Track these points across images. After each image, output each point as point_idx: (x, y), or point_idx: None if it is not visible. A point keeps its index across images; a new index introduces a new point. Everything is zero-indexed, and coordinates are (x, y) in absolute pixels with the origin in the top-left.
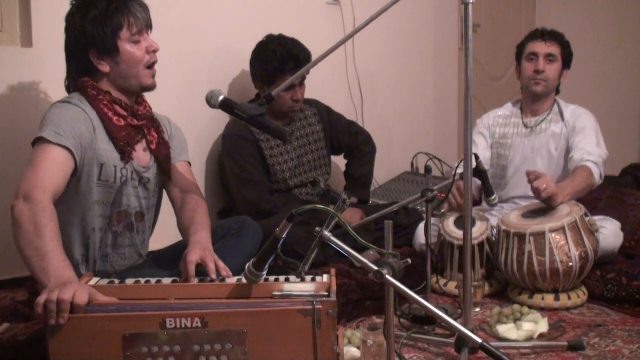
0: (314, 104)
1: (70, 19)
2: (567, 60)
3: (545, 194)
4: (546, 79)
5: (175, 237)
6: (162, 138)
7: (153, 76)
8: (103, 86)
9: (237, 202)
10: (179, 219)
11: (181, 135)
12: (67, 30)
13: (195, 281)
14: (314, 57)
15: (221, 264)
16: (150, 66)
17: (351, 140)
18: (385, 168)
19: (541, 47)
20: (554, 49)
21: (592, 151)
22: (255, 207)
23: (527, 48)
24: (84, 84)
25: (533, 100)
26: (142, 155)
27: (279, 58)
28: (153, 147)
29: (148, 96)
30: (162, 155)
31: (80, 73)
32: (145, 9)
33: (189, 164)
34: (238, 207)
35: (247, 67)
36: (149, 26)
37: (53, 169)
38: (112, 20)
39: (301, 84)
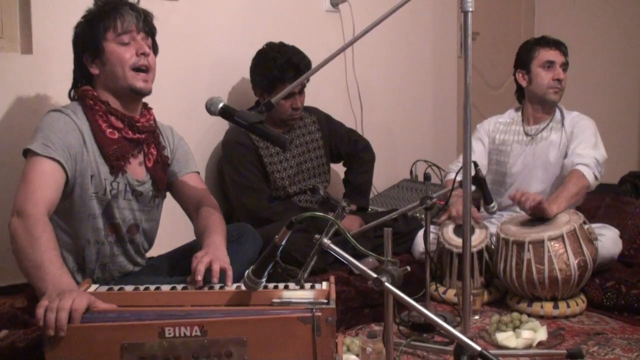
0: (313, 111)
1: (75, 26)
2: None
3: (534, 203)
4: (563, 87)
5: (173, 244)
6: (161, 155)
7: (144, 80)
8: (102, 95)
9: (236, 209)
10: (195, 228)
11: (184, 145)
12: (72, 37)
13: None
14: (314, 64)
15: (215, 268)
16: (138, 69)
17: (350, 148)
18: (385, 175)
19: (556, 56)
20: (564, 58)
21: (584, 154)
22: (254, 214)
23: (539, 55)
24: (84, 93)
25: (542, 107)
26: (137, 169)
27: (278, 66)
28: (149, 164)
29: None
30: (157, 175)
31: (82, 80)
32: (138, 13)
33: (197, 172)
34: (237, 214)
35: (247, 75)
36: (142, 30)
37: (43, 181)
38: (100, 21)
39: (301, 92)
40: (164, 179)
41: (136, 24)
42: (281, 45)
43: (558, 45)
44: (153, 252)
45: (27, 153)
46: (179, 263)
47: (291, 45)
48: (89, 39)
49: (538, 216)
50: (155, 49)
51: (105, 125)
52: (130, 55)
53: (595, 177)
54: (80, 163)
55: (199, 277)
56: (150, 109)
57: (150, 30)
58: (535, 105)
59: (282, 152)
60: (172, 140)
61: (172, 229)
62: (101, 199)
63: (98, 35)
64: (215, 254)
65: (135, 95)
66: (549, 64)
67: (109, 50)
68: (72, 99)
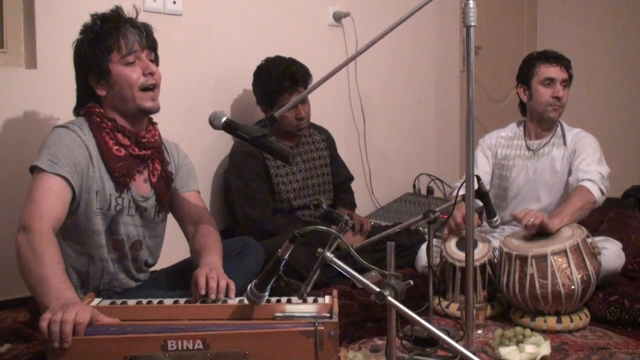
0: (323, 131)
1: (74, 45)
2: (571, 81)
3: (537, 222)
4: (563, 104)
5: (175, 257)
6: (165, 170)
7: (152, 99)
8: (108, 113)
9: (239, 220)
10: (191, 246)
11: (189, 163)
12: (73, 56)
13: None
14: (316, 78)
15: (222, 284)
16: (146, 89)
17: (342, 178)
18: (387, 189)
19: (557, 73)
20: (566, 74)
21: (588, 169)
22: (258, 225)
23: (540, 72)
24: (91, 110)
25: (541, 123)
26: (142, 185)
27: (274, 79)
28: (154, 180)
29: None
30: (161, 190)
31: (87, 99)
32: (140, 30)
33: (198, 191)
34: (241, 225)
35: (250, 88)
36: (146, 47)
37: (49, 197)
38: (103, 42)
39: (303, 102)
40: (168, 194)
41: (140, 42)
42: (277, 58)
43: (559, 61)
44: (155, 266)
45: (34, 170)
46: (180, 277)
47: (288, 57)
48: (92, 61)
49: (540, 231)
50: (157, 60)
51: (112, 142)
52: (137, 75)
53: (602, 192)
54: (86, 179)
55: (213, 296)
56: (155, 124)
57: (153, 45)
58: (536, 121)
59: (289, 165)
60: (177, 157)
61: (174, 243)
62: (105, 214)
63: (102, 57)
64: (218, 272)
65: (143, 115)
66: (549, 81)
67: (116, 72)
68: (77, 115)
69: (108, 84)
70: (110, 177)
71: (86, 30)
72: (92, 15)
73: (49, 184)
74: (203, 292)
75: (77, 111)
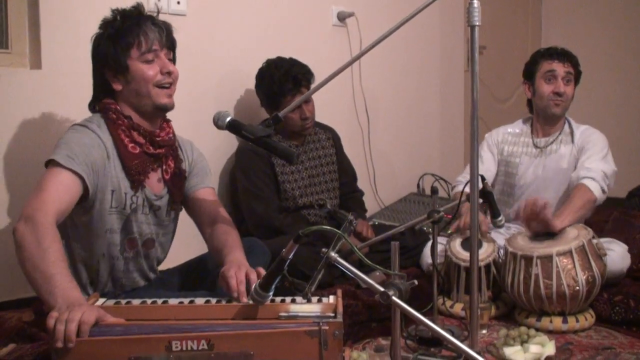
0: (329, 129)
1: (93, 38)
2: (577, 78)
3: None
4: (565, 99)
5: (185, 255)
6: (179, 168)
7: (168, 95)
8: (124, 109)
9: (246, 218)
10: (210, 244)
11: (203, 160)
12: (91, 50)
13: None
14: (320, 78)
15: (253, 277)
16: (163, 86)
17: (349, 178)
18: (391, 189)
19: (559, 67)
20: (570, 69)
21: (591, 167)
22: (264, 222)
23: (542, 67)
24: (107, 106)
25: (546, 120)
26: (155, 184)
27: (276, 81)
28: (167, 177)
29: None
30: (175, 187)
31: (103, 93)
32: (161, 28)
33: (213, 188)
34: (247, 223)
35: (254, 88)
36: (165, 46)
37: (58, 191)
38: (123, 38)
39: (307, 101)
40: (181, 192)
41: (160, 40)
42: (277, 59)
43: (561, 57)
44: (164, 264)
45: (49, 163)
46: (189, 277)
47: (289, 58)
48: (111, 56)
49: (543, 231)
50: (174, 60)
51: (127, 139)
52: (154, 72)
53: (603, 191)
54: (102, 178)
55: (244, 299)
56: (169, 121)
57: (172, 44)
58: (541, 117)
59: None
60: (191, 154)
61: (183, 240)
62: (121, 213)
63: (121, 52)
64: (246, 268)
65: (159, 111)
66: (550, 76)
67: (134, 68)
68: (93, 111)
69: (125, 79)
70: (126, 175)
71: (106, 24)
72: (112, 10)
73: (61, 179)
74: (235, 294)
75: (92, 106)
